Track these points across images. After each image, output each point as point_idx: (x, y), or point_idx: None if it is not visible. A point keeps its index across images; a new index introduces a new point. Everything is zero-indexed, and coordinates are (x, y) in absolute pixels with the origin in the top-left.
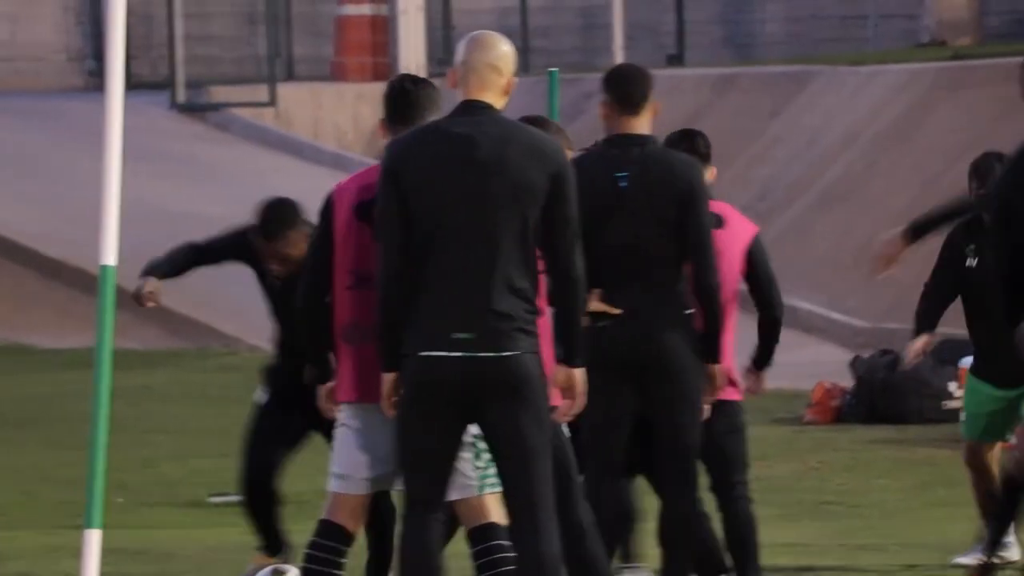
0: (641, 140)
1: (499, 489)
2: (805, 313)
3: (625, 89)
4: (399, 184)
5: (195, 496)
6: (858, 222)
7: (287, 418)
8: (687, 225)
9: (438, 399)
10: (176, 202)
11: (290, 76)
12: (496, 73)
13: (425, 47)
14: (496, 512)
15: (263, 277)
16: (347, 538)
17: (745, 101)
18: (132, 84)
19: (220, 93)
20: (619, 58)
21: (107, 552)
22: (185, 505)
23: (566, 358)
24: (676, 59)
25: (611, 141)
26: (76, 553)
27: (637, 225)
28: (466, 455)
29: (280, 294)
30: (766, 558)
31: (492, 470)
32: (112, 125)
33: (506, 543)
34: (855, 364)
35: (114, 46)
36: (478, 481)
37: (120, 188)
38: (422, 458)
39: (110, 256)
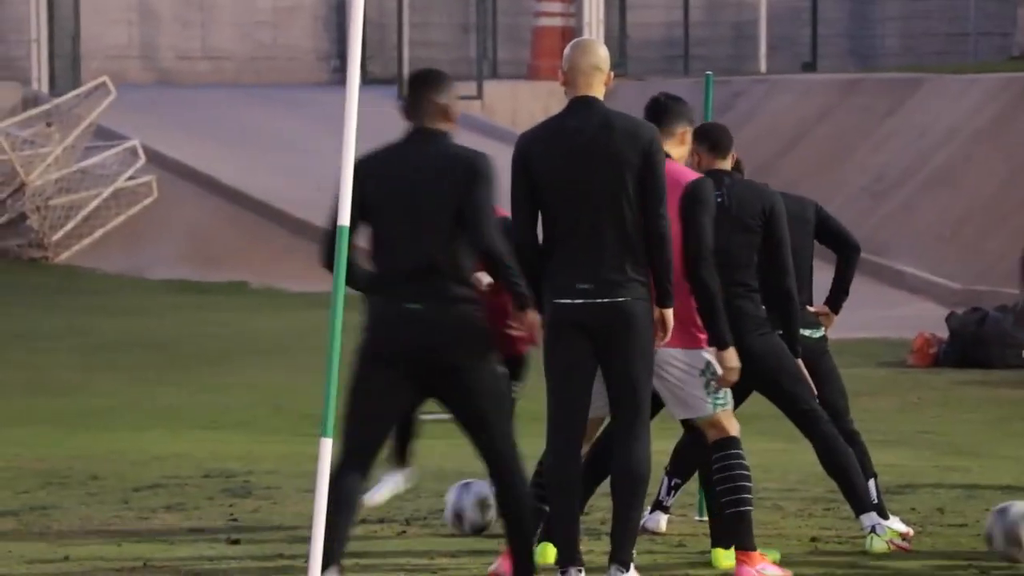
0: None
1: (729, 408)
2: (910, 276)
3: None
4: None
5: None
6: (956, 202)
7: None
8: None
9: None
10: None
11: (494, 75)
12: (599, 72)
13: None
14: (732, 427)
15: None
16: None
17: (866, 102)
18: (367, 80)
19: None
20: (763, 65)
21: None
22: None
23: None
24: (810, 66)
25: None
26: (313, 457)
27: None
28: (697, 381)
29: None
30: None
31: (721, 393)
32: (350, 112)
33: (741, 452)
34: (950, 319)
35: (353, 48)
36: (711, 402)
37: (355, 163)
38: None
39: (346, 218)
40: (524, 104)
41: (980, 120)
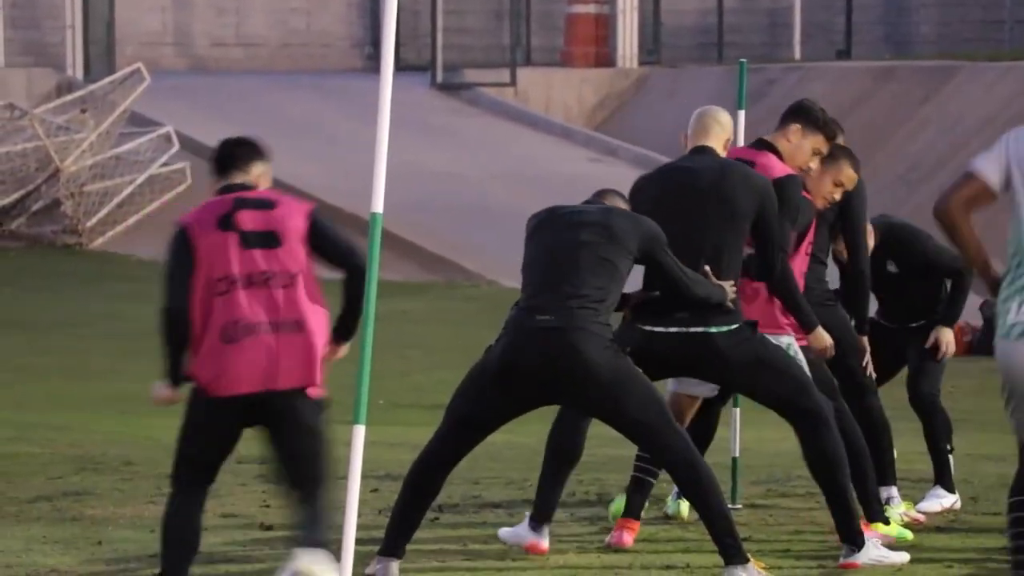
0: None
1: None
2: None
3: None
4: None
5: (441, 400)
6: None
7: None
8: None
9: None
10: (433, 163)
11: (528, 62)
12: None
13: (638, 40)
14: None
15: None
16: None
17: (901, 89)
18: (401, 66)
19: (471, 75)
20: (797, 52)
21: (369, 443)
22: (432, 407)
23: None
24: (844, 53)
25: None
26: (346, 443)
27: None
28: None
29: None
30: (905, 464)
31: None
32: (384, 99)
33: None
34: (984, 307)
35: (387, 35)
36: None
37: (388, 150)
38: None
39: (379, 205)
40: (557, 91)
41: (1015, 108)
